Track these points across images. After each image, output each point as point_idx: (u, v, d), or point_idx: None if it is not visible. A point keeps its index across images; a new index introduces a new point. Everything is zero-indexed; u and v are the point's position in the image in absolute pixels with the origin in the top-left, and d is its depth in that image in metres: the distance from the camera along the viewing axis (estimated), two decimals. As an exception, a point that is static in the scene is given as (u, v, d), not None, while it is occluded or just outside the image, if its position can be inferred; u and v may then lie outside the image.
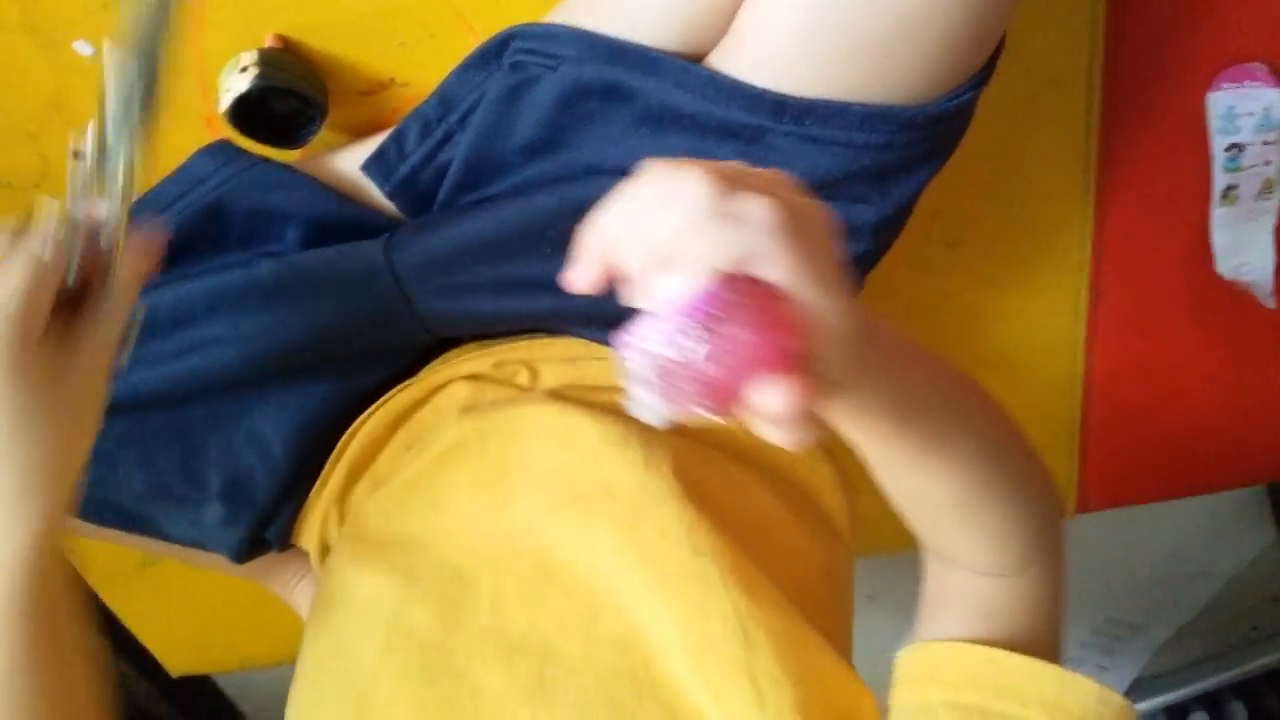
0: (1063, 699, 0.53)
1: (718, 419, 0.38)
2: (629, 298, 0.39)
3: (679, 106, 0.68)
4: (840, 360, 0.41)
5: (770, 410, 0.37)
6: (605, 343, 0.79)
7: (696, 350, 0.36)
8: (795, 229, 0.37)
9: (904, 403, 0.48)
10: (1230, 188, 1.04)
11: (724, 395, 0.37)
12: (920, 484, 0.54)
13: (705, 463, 0.69)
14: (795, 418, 0.38)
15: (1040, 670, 0.55)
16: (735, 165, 0.40)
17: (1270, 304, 1.12)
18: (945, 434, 0.51)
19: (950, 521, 0.57)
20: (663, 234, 0.38)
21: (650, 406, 0.37)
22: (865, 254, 0.73)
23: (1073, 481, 1.31)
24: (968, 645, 0.57)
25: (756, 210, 0.36)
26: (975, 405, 0.55)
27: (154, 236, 0.58)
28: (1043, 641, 0.60)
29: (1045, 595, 0.60)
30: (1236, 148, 1.01)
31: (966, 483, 0.54)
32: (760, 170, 0.40)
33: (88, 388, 0.56)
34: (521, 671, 0.59)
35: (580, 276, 0.41)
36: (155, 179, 0.79)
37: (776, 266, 0.37)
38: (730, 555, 0.61)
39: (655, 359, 0.36)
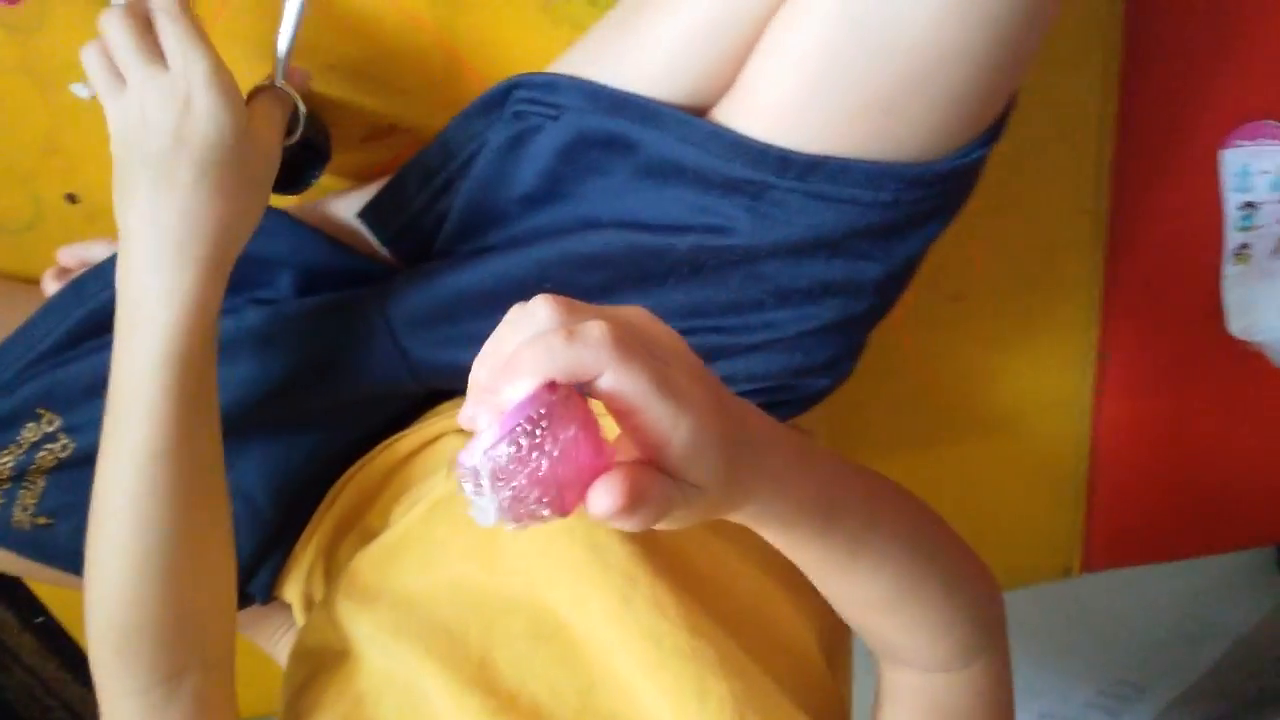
0: None
1: (555, 517, 0.39)
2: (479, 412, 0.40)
3: (681, 160, 0.67)
4: (704, 466, 0.41)
5: (604, 509, 0.38)
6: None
7: (531, 458, 0.37)
8: (632, 344, 0.38)
9: (815, 510, 0.49)
10: (1243, 246, 1.03)
11: (558, 498, 0.38)
12: (849, 586, 0.55)
13: (693, 540, 0.68)
14: (633, 515, 0.39)
15: None
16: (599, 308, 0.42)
17: (1282, 365, 1.10)
18: (866, 538, 0.52)
19: (885, 621, 0.58)
20: (507, 349, 0.39)
21: (485, 510, 0.38)
22: (869, 311, 0.71)
23: (1078, 541, 1.29)
24: None
25: (593, 327, 0.38)
26: (897, 507, 0.56)
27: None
28: None
29: (993, 685, 0.61)
30: (1250, 206, 1.00)
31: (895, 582, 0.55)
32: (619, 308, 0.42)
33: (265, 167, 0.68)
34: None
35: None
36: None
37: (610, 376, 0.38)
38: (725, 639, 0.61)
39: (489, 461, 0.37)
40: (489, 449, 0.37)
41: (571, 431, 0.37)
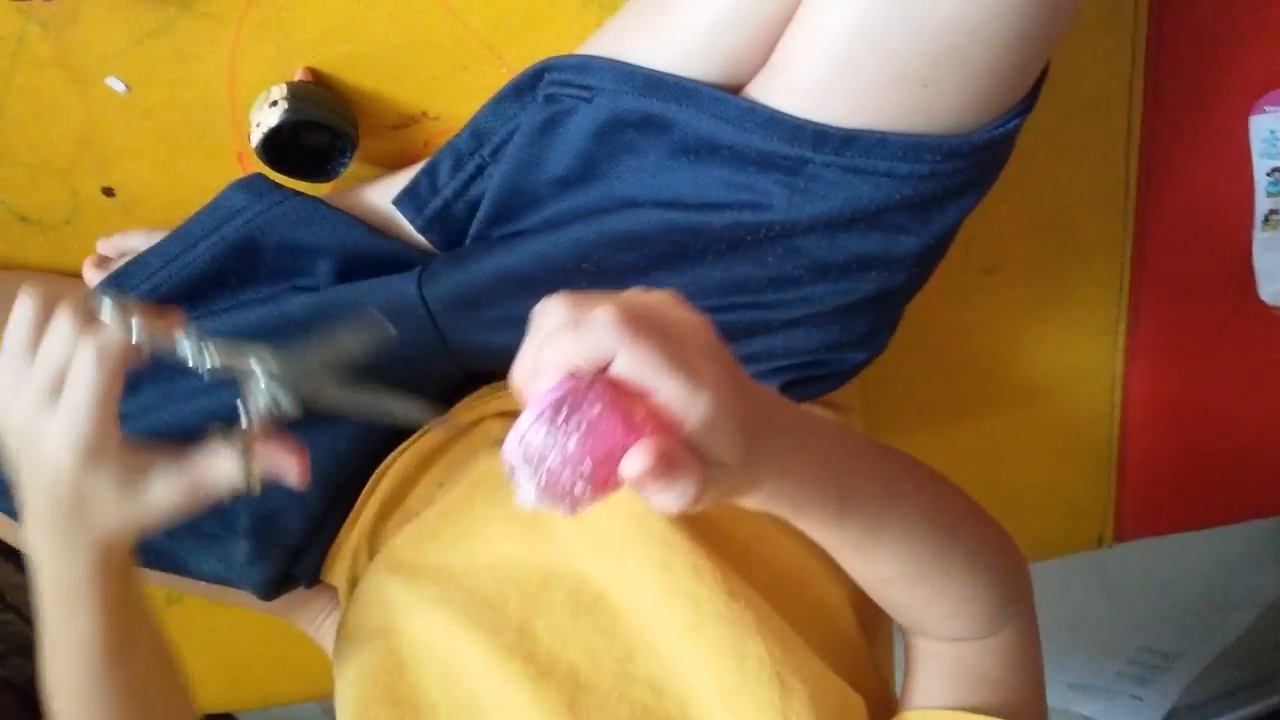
0: None
1: (595, 496, 0.41)
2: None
3: (717, 137, 0.67)
4: (724, 443, 0.42)
5: (640, 479, 0.40)
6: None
7: (557, 438, 0.40)
8: (641, 324, 0.41)
9: (827, 493, 0.50)
10: (1273, 212, 1.03)
11: (593, 474, 0.41)
12: (869, 565, 0.56)
13: (729, 512, 0.68)
14: (671, 484, 0.40)
15: None
16: (620, 294, 0.44)
17: (1313, 330, 1.10)
18: (883, 518, 0.53)
19: (908, 595, 0.59)
20: (531, 352, 0.42)
21: (529, 495, 0.41)
22: (906, 284, 0.72)
23: (1110, 509, 1.30)
24: (950, 714, 0.58)
25: (600, 314, 0.40)
26: (916, 484, 0.57)
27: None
28: (1024, 699, 0.61)
29: (1020, 653, 0.61)
30: (1279, 171, 1.00)
31: (916, 559, 0.55)
32: (642, 292, 0.45)
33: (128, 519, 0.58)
34: (551, 695, 0.60)
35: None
36: (187, 213, 0.79)
37: (622, 358, 0.40)
38: (760, 603, 0.62)
39: (525, 450, 0.40)
40: (522, 436, 0.40)
41: (596, 410, 0.40)
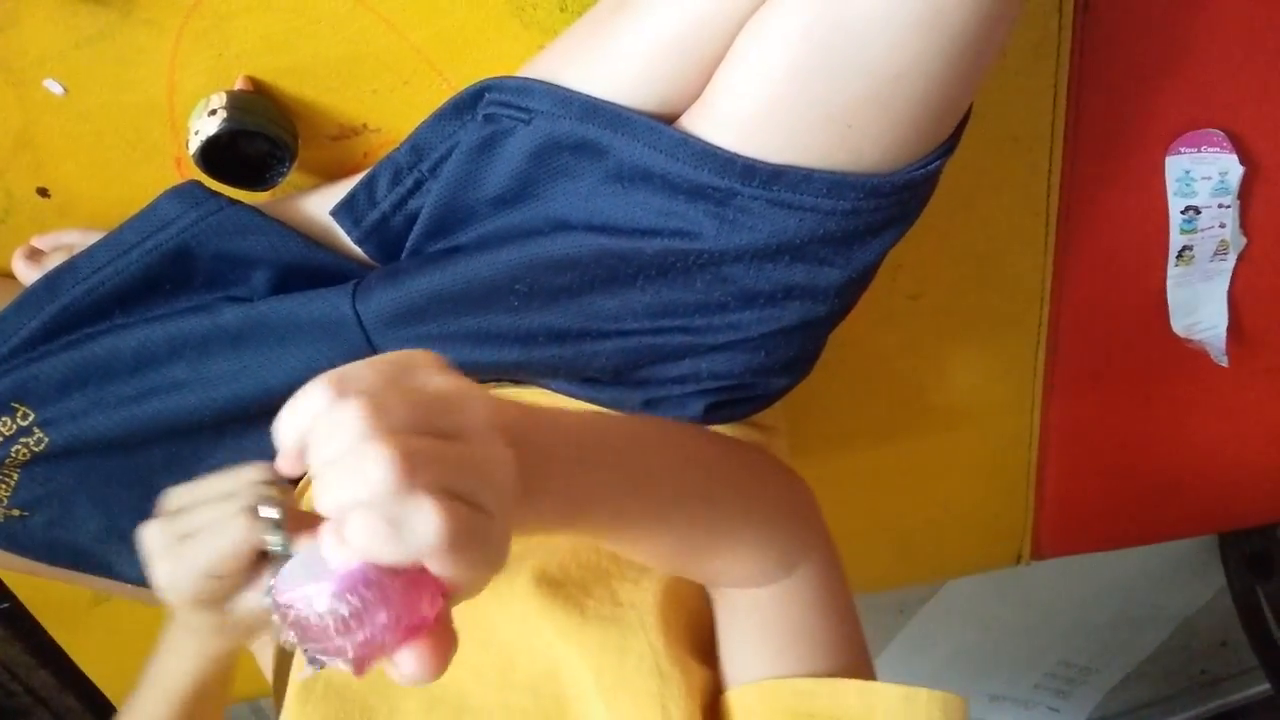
0: (870, 711, 0.57)
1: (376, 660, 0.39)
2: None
3: (650, 166, 0.68)
4: (500, 547, 0.41)
5: (408, 674, 0.39)
6: (571, 394, 0.79)
7: (330, 619, 0.37)
8: (462, 542, 0.37)
9: (601, 505, 0.49)
10: (1186, 248, 1.06)
11: (358, 662, 0.38)
12: (654, 546, 0.56)
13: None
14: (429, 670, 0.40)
15: (840, 687, 0.58)
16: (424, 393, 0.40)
17: (1223, 362, 1.14)
18: (657, 498, 0.53)
19: (702, 559, 0.59)
20: (338, 499, 0.37)
21: (295, 646, 0.39)
22: (829, 313, 0.74)
23: (1028, 529, 1.33)
24: (770, 684, 0.60)
25: (422, 522, 0.36)
26: (680, 448, 0.57)
27: None
28: (835, 638, 0.63)
29: (819, 588, 0.63)
30: (1193, 210, 1.04)
31: (700, 523, 0.56)
32: (397, 356, 0.42)
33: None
34: None
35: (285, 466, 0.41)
36: (123, 216, 0.79)
37: (438, 567, 0.38)
38: (642, 604, 0.63)
39: (296, 615, 0.38)
40: (307, 607, 0.38)
41: (383, 616, 0.38)
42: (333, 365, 0.78)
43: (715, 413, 0.78)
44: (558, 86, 0.71)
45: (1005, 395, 1.19)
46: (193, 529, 0.54)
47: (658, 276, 0.71)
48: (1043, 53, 0.94)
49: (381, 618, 0.38)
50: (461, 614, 0.63)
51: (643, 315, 0.73)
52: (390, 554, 0.37)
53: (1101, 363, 1.18)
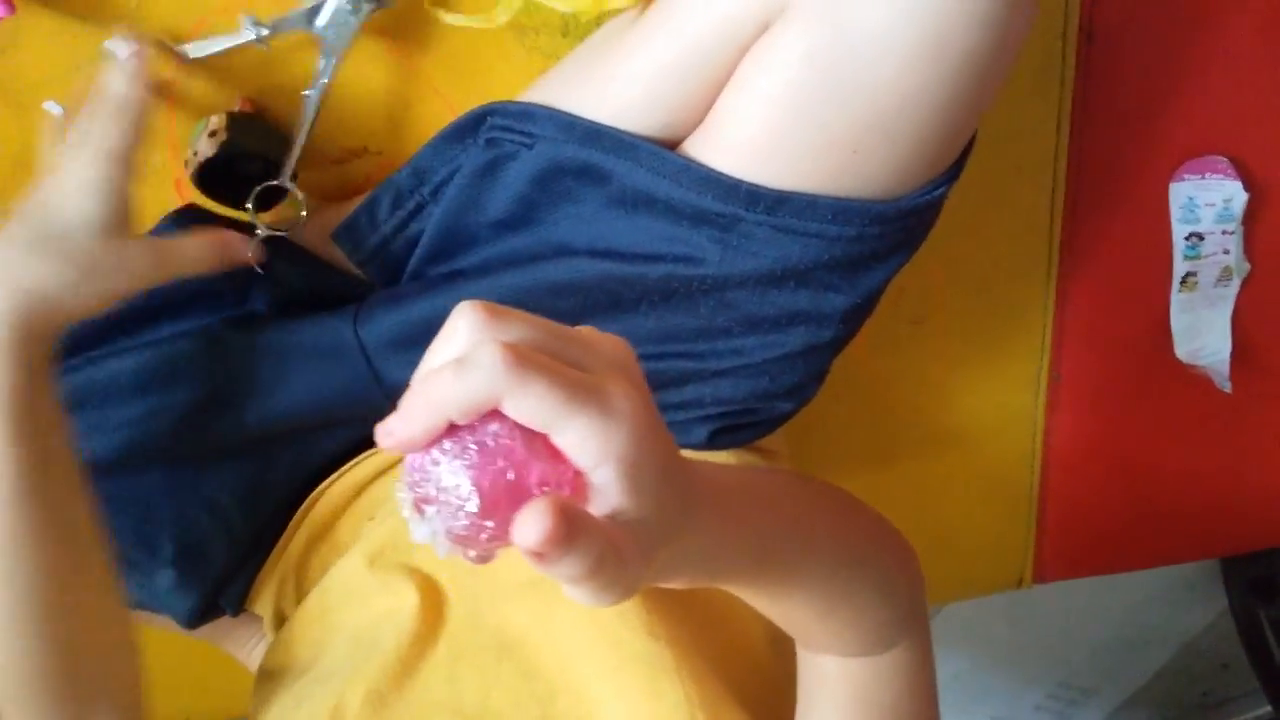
0: None
1: (496, 551, 0.37)
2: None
3: (654, 191, 0.68)
4: (644, 487, 0.36)
5: (531, 542, 0.33)
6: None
7: (450, 487, 0.35)
8: (529, 363, 0.34)
9: (751, 550, 0.46)
10: (1190, 274, 1.06)
11: (485, 528, 0.36)
12: (786, 608, 0.54)
13: None
14: (570, 553, 0.34)
15: None
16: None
17: (1226, 388, 1.14)
18: (799, 566, 0.51)
19: (819, 628, 0.57)
20: (434, 381, 0.36)
21: (424, 536, 0.37)
22: (833, 339, 0.73)
23: (1029, 553, 1.32)
24: None
25: (484, 353, 0.34)
26: (828, 519, 0.55)
27: None
28: (920, 712, 0.61)
29: (915, 666, 0.60)
30: (1197, 236, 1.04)
31: (826, 598, 0.54)
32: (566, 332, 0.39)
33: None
34: None
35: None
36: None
37: (509, 402, 0.34)
38: (684, 642, 0.62)
39: (417, 493, 0.36)
40: (413, 474, 0.37)
41: (504, 444, 0.35)
42: (334, 389, 0.79)
43: (719, 438, 0.77)
44: (560, 111, 0.71)
45: (1008, 419, 1.18)
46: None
47: (661, 302, 0.71)
48: (1047, 79, 0.94)
49: (509, 473, 0.35)
50: (503, 635, 0.64)
51: (646, 340, 0.72)
52: (451, 397, 0.34)
53: (1104, 388, 1.18)
